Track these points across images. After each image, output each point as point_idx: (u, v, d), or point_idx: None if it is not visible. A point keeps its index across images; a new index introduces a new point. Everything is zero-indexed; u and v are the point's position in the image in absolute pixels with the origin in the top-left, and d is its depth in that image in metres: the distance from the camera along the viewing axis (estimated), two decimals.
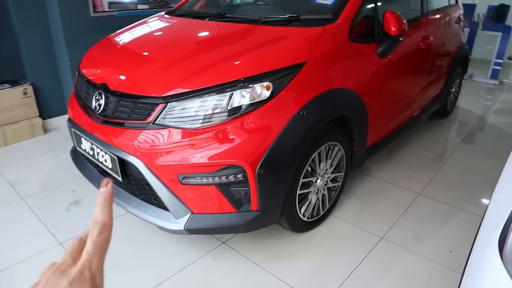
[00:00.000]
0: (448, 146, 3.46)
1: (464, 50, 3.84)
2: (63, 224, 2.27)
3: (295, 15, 2.14)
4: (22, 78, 3.45)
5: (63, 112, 3.64)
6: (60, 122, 3.64)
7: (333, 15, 2.08)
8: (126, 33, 2.47)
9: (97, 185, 2.13)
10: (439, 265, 1.99)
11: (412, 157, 3.17)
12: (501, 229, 0.93)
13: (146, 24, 2.58)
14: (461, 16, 3.75)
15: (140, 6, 3.78)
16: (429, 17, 3.01)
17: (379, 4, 2.34)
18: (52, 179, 2.76)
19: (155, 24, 2.56)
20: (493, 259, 0.86)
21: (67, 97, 3.60)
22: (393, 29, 2.17)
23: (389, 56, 2.35)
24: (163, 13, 2.75)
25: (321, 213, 2.27)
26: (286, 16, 2.15)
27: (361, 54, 2.20)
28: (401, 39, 2.28)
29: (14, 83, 3.34)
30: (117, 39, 2.41)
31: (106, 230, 0.42)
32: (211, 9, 2.91)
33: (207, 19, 2.38)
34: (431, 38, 2.98)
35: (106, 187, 0.46)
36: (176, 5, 2.88)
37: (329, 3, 2.22)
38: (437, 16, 3.19)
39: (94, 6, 3.29)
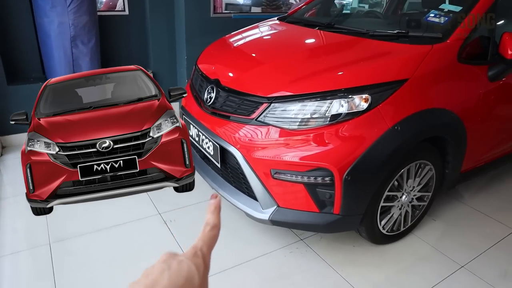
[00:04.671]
0: None
1: None
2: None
3: (404, 31, 2.17)
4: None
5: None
6: None
7: (444, 34, 2.06)
8: (240, 35, 2.72)
9: (198, 169, 2.39)
10: None
11: None
12: None
13: (258, 28, 2.80)
14: None
15: (253, 9, 4.07)
16: None
17: (497, 24, 2.24)
18: None
19: (267, 29, 2.78)
20: None
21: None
22: (510, 52, 2.07)
23: (502, 80, 2.24)
24: (275, 18, 2.95)
25: (402, 229, 2.27)
26: (395, 31, 2.19)
27: (469, 76, 2.14)
28: None
29: None
30: (232, 40, 2.68)
31: (216, 229, 0.52)
32: (321, 18, 3.03)
33: (317, 28, 2.52)
34: None
35: (216, 199, 0.56)
36: (288, 12, 3.06)
37: (442, 21, 2.20)
38: None
39: (214, 7, 3.64)
